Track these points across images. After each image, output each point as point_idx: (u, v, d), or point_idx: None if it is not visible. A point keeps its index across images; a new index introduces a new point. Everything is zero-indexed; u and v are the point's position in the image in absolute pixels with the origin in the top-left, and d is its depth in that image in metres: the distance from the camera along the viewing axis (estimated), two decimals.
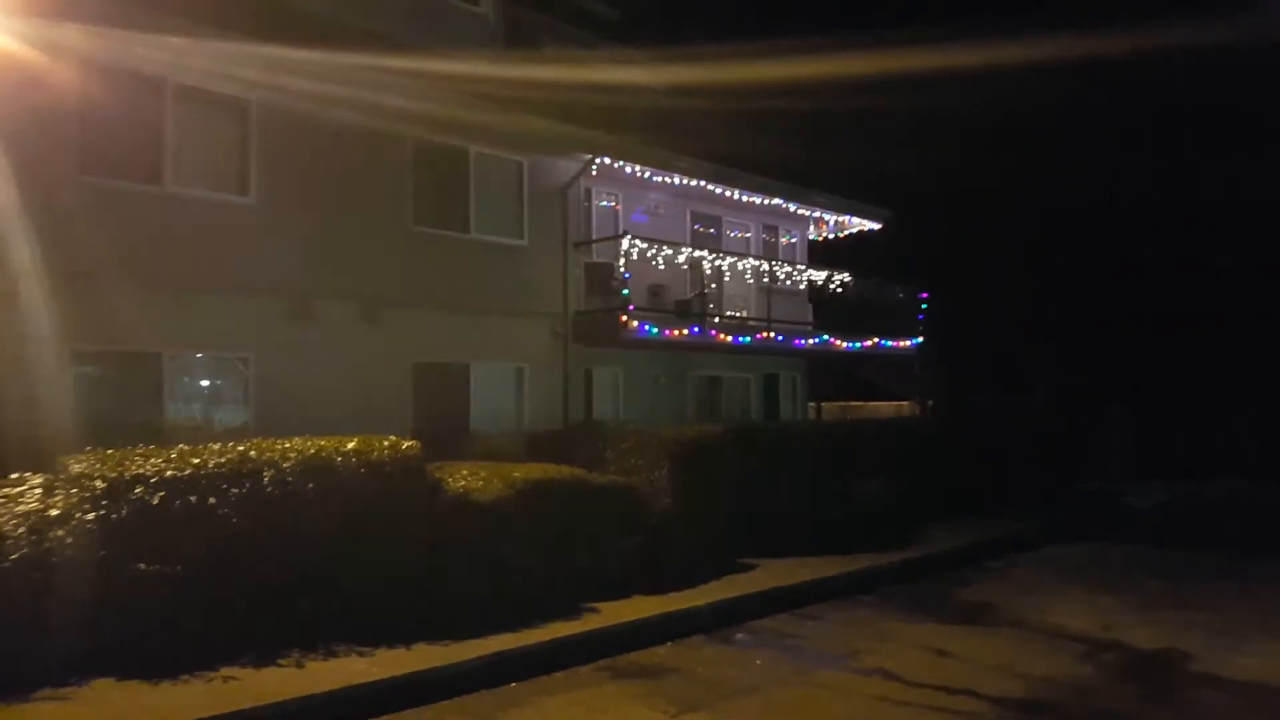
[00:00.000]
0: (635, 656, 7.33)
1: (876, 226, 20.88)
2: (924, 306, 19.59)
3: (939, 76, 20.88)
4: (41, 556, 6.13)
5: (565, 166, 14.47)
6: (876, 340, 18.74)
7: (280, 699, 5.72)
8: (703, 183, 16.50)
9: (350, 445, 7.52)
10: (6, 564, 5.99)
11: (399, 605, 7.30)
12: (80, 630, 6.05)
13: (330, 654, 6.66)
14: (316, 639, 6.81)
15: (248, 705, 5.57)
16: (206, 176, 10.52)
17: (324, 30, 10.83)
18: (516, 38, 14.74)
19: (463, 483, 8.27)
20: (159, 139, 10.10)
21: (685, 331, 14.89)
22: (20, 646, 5.86)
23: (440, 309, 12.68)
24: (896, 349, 19.30)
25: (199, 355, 10.68)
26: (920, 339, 19.65)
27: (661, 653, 7.47)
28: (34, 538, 6.16)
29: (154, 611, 6.32)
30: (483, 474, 8.54)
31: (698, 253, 15.72)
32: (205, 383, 10.87)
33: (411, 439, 8.05)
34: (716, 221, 18.22)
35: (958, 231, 28.40)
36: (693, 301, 15.71)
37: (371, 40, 11.27)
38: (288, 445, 7.47)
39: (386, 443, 7.73)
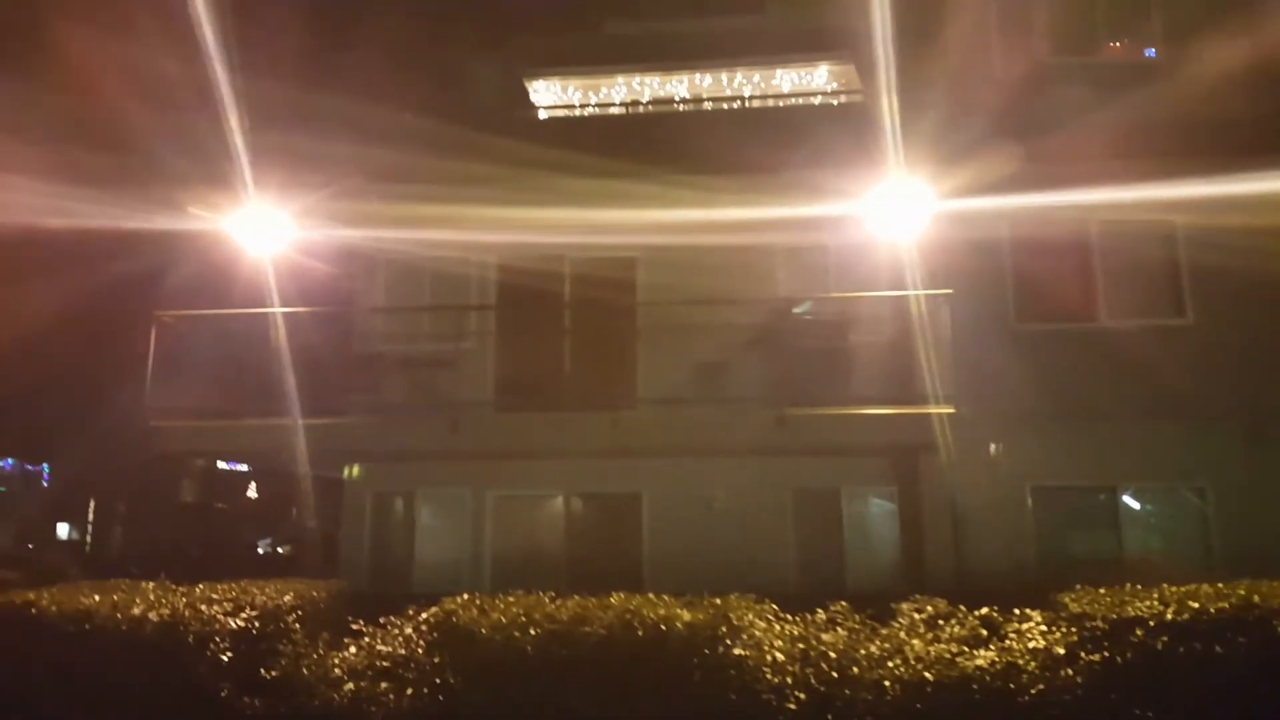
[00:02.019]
0: None
1: None
2: None
3: None
4: (1055, 694, 6.48)
5: None
6: None
7: None
8: None
9: None
10: (1025, 698, 6.48)
11: None
12: None
13: None
14: None
15: None
16: (1139, 305, 10.53)
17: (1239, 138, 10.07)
18: None
19: None
20: (1088, 277, 10.52)
21: None
22: None
23: None
24: None
25: (1151, 486, 10.47)
26: None
27: None
28: (1046, 674, 6.56)
29: None
30: None
31: None
32: (1159, 514, 10.57)
33: None
34: None
35: None
36: None
37: None
38: None
39: None
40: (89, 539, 33.69)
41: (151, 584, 8.16)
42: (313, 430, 10.11)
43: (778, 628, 6.90)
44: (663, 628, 6.55)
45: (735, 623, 6.68)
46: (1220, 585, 6.91)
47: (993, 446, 10.16)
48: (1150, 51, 11.37)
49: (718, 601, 6.98)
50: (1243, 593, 6.65)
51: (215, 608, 7.46)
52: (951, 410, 9.47)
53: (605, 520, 11.32)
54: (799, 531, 10.74)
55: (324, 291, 11.74)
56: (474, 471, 11.13)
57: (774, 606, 7.14)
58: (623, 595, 7.08)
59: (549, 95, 13.72)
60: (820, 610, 7.11)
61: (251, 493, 35.43)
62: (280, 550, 34.44)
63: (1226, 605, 6.47)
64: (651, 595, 7.09)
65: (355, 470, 11.58)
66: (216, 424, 10.51)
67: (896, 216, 10.26)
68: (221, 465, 32.06)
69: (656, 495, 11.02)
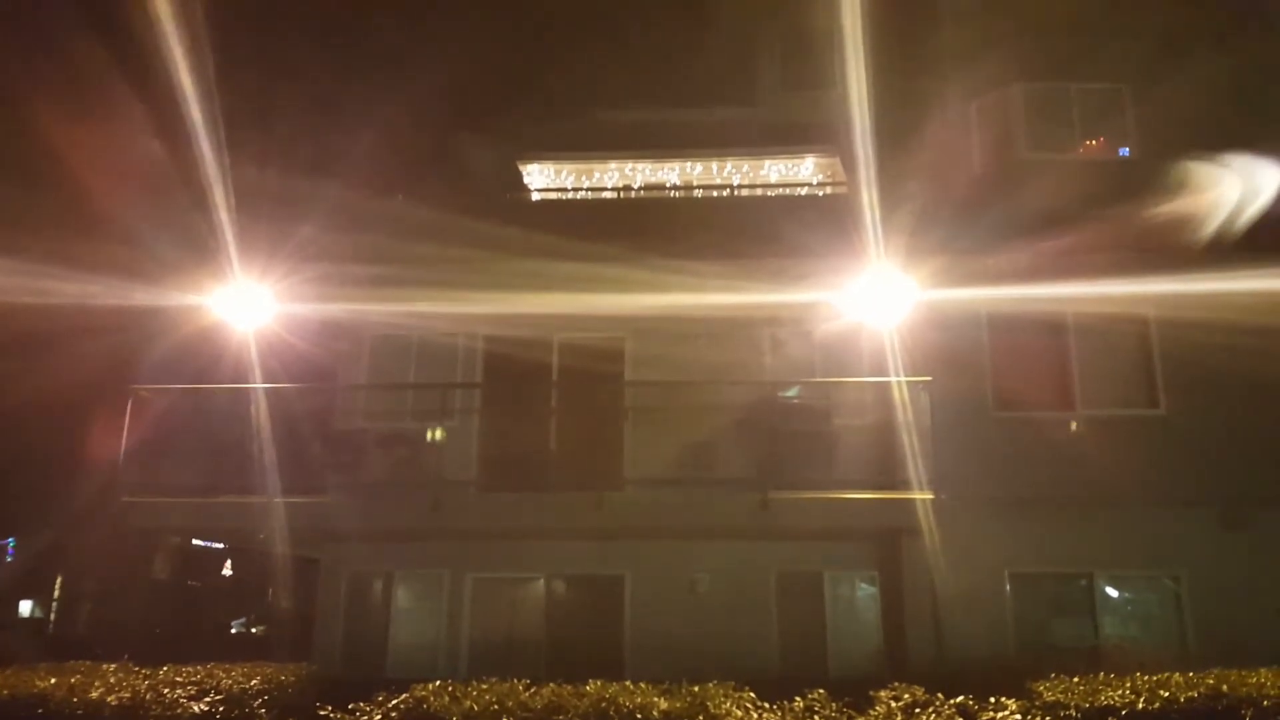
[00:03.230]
0: None
1: None
2: None
3: None
4: None
5: None
6: None
7: None
8: None
9: None
10: None
11: None
12: None
13: None
14: None
15: None
16: (1114, 395, 10.69)
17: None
18: None
19: None
20: (1064, 367, 10.71)
21: None
22: None
23: None
24: None
25: (1128, 574, 10.48)
26: None
27: None
28: None
29: None
30: None
31: None
32: (1136, 601, 10.56)
33: None
34: None
35: None
36: None
37: None
38: (1262, 679, 6.69)
39: None
40: (53, 616, 32.76)
41: (113, 665, 7.96)
42: (290, 509, 10.00)
43: (755, 716, 6.80)
44: (639, 717, 6.45)
45: (713, 711, 6.59)
46: (1191, 674, 7.00)
47: None
48: (1124, 150, 11.77)
49: (696, 689, 6.92)
50: (1211, 682, 6.71)
51: (179, 691, 7.28)
52: (932, 496, 9.53)
53: (587, 603, 11.17)
54: (782, 616, 10.66)
55: (307, 367, 11.74)
56: (454, 552, 11.01)
57: (752, 695, 7.09)
58: (599, 683, 7.00)
59: (542, 178, 14.04)
60: (799, 698, 7.06)
61: (226, 570, 34.70)
62: (254, 630, 33.54)
63: (1196, 695, 6.53)
64: (629, 683, 7.04)
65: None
66: (192, 501, 10.38)
67: (879, 304, 10.46)
68: (197, 542, 31.44)
69: (640, 578, 10.92)
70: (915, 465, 9.63)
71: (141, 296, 10.92)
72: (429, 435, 11.09)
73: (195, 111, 10.57)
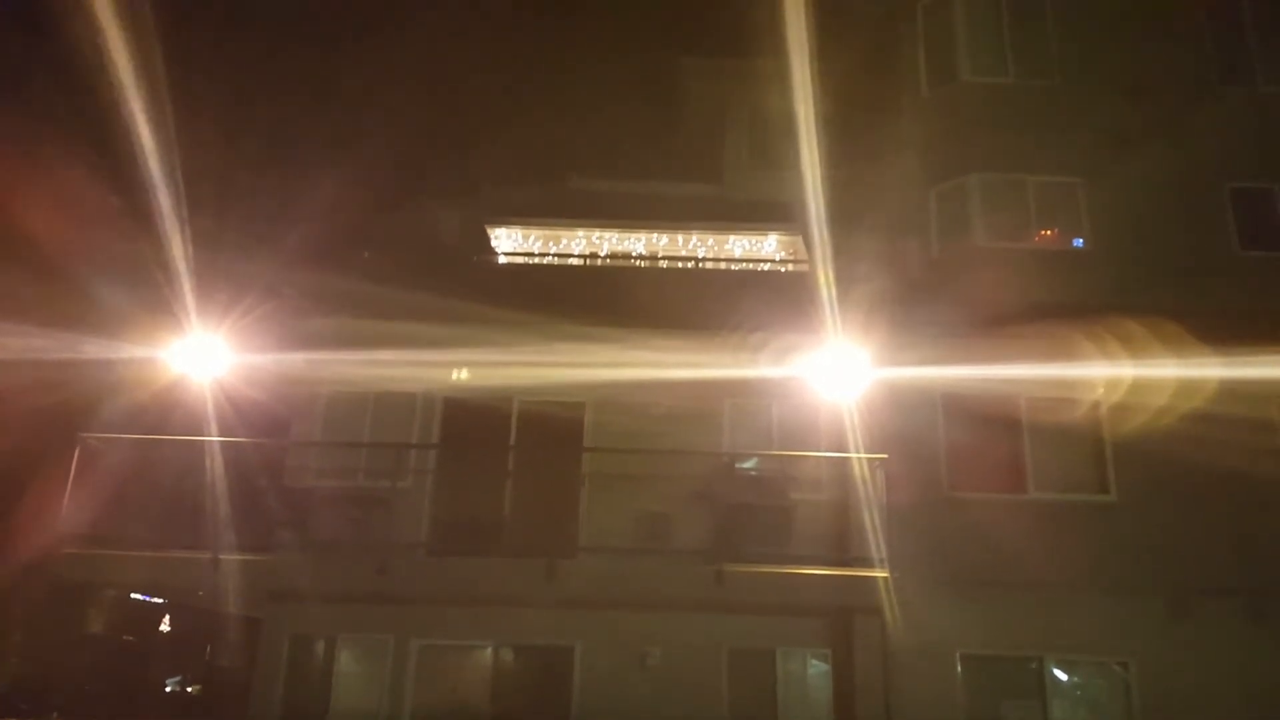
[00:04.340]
0: None
1: None
2: None
3: None
4: None
5: None
6: None
7: None
8: None
9: None
10: None
11: None
12: None
13: None
14: None
15: None
16: (1065, 480, 10.83)
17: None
18: None
19: None
20: (1017, 449, 10.84)
21: None
22: None
23: None
24: None
25: (1076, 658, 10.50)
26: None
27: None
28: None
29: None
30: None
31: None
32: (1085, 686, 10.58)
33: None
34: None
35: None
36: None
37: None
38: None
39: None
40: None
41: None
42: (234, 566, 9.78)
43: None
44: None
45: None
46: None
47: None
48: (1078, 241, 12.13)
49: None
50: None
51: None
52: (886, 574, 9.54)
53: (535, 674, 10.94)
54: (733, 693, 10.51)
55: (259, 421, 11.54)
56: (400, 617, 10.75)
57: None
58: None
59: (510, 242, 14.14)
60: None
61: (164, 626, 33.53)
62: (189, 690, 32.30)
63: None
64: None
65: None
66: (133, 554, 10.08)
67: (836, 381, 10.58)
68: (135, 596, 30.42)
69: (590, 649, 10.72)
70: (870, 543, 9.67)
71: (94, 348, 10.72)
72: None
73: (154, 161, 10.54)
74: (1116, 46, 12.41)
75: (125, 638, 32.79)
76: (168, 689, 32.19)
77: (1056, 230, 12.26)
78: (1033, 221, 12.14)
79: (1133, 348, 10.49)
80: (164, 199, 10.66)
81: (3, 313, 11.14)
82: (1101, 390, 10.93)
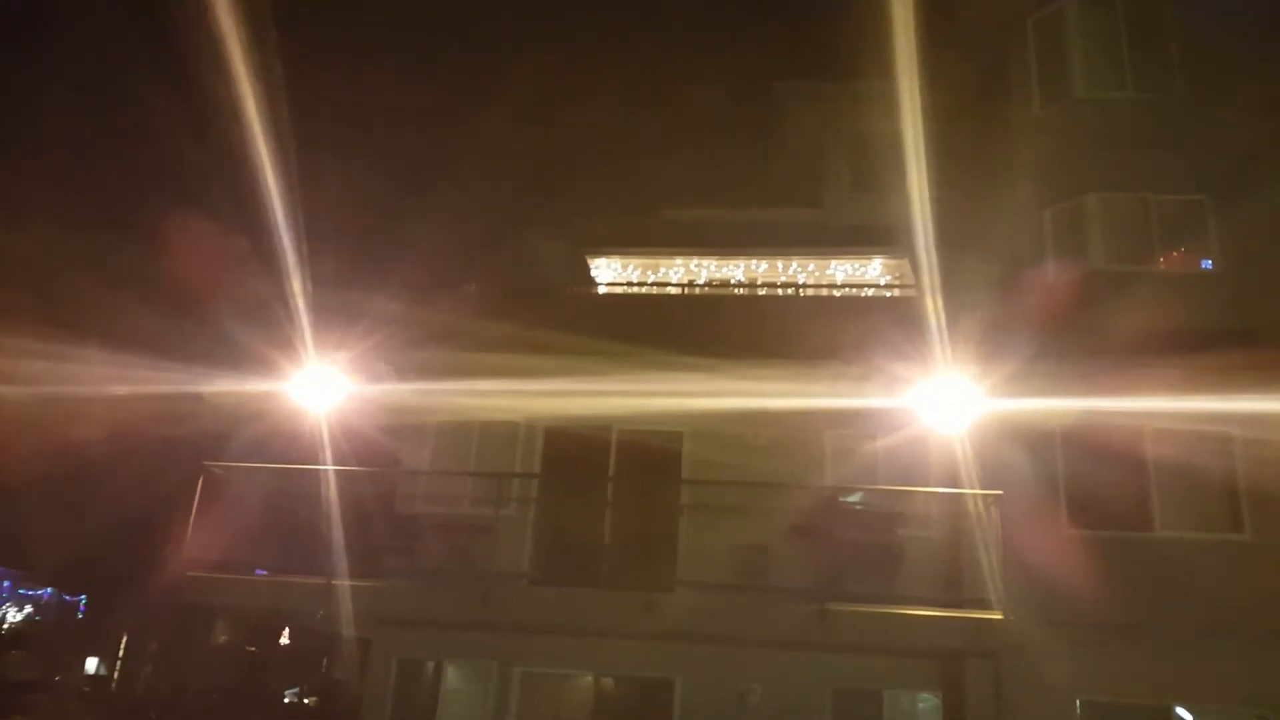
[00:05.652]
0: None
1: None
2: None
3: None
4: None
5: None
6: None
7: None
8: None
9: None
10: None
11: None
12: None
13: None
14: None
15: None
16: (1195, 517, 10.19)
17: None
18: None
19: None
20: (1143, 485, 10.25)
21: None
22: None
23: None
24: None
25: (1210, 708, 9.83)
26: None
27: None
28: None
29: None
30: None
31: None
32: None
33: None
34: None
35: None
36: None
37: None
38: None
39: None
40: (116, 675, 33.29)
41: None
42: (346, 591, 10.08)
43: None
44: None
45: None
46: None
47: None
48: (1207, 263, 11.45)
49: None
50: None
51: None
52: (1000, 616, 9.14)
53: (635, 704, 10.90)
54: None
55: (371, 451, 11.93)
56: (503, 644, 10.88)
57: None
58: None
59: (609, 272, 14.24)
60: None
61: (285, 639, 34.97)
62: (306, 701, 33.57)
63: None
64: None
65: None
66: (252, 579, 10.52)
67: (946, 412, 10.23)
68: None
69: (690, 682, 10.61)
70: (984, 583, 9.29)
71: (222, 382, 11.31)
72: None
73: (278, 204, 11.06)
74: (1242, 58, 11.69)
75: (248, 648, 34.36)
76: (286, 699, 33.51)
77: (1183, 251, 11.61)
78: (1156, 243, 11.52)
79: (1266, 376, 9.80)
80: (286, 239, 11.17)
81: (139, 349, 11.89)
82: (1233, 422, 10.25)
